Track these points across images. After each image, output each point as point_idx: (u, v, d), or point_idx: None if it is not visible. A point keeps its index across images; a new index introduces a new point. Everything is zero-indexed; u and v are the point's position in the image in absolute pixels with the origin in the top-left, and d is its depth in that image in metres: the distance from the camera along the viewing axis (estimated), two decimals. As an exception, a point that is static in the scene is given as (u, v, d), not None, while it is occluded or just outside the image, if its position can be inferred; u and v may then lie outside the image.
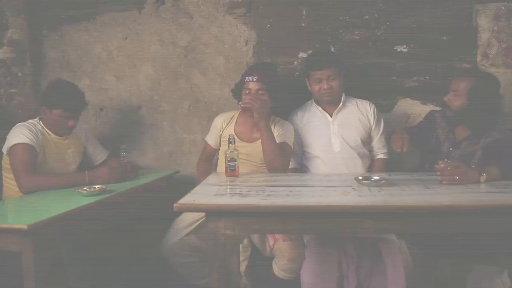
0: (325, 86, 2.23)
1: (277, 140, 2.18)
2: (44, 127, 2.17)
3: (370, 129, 2.33)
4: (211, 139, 2.36)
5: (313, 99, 2.39)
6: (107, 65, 2.83)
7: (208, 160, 2.44)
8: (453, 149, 2.03)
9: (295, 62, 2.62)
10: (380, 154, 2.36)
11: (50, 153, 2.15)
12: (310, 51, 2.51)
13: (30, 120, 2.18)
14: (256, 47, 2.67)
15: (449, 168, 1.70)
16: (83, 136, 2.40)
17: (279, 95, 2.23)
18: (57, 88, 2.15)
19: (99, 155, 2.46)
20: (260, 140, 2.17)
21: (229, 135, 1.98)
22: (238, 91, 2.26)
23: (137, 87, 2.82)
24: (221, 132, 2.31)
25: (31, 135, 2.05)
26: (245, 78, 2.21)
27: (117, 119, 2.84)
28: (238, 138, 2.22)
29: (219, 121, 2.33)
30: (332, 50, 2.57)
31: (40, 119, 2.20)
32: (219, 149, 2.36)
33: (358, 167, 2.23)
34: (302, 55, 2.60)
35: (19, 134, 2.03)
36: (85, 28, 2.82)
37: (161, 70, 2.78)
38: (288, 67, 2.64)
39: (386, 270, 1.84)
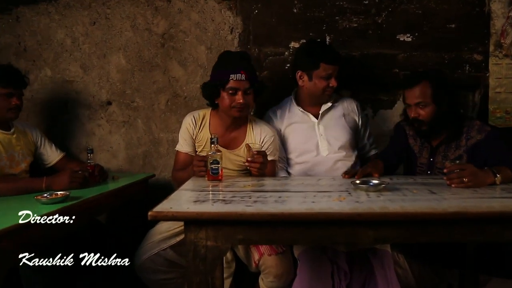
0: (335, 84, 2.21)
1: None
2: None
3: (357, 128, 2.37)
4: (184, 147, 2.26)
5: (292, 97, 2.38)
6: (72, 54, 2.81)
7: (185, 168, 2.33)
8: (433, 158, 2.11)
9: (286, 53, 2.64)
10: (373, 149, 2.45)
11: None
12: (303, 41, 2.53)
13: None
14: (242, 35, 2.68)
15: (457, 170, 1.74)
16: (34, 134, 2.40)
17: (261, 89, 2.18)
18: None
19: (52, 155, 2.45)
20: (239, 149, 2.20)
21: (212, 135, 1.98)
22: (213, 90, 2.12)
23: (107, 79, 2.80)
24: (194, 136, 2.24)
25: None
26: (229, 76, 2.06)
27: (84, 115, 2.82)
28: None
29: (189, 125, 2.24)
30: (328, 39, 2.59)
31: None
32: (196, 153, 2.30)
33: (347, 169, 2.24)
34: (294, 45, 2.61)
35: None
36: (45, 10, 2.79)
37: (134, 60, 2.77)
38: (278, 58, 2.66)
39: (378, 286, 1.87)
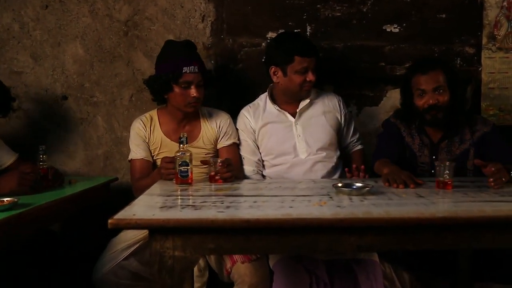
0: (313, 78, 2.22)
1: (227, 143, 2.34)
2: None
3: (339, 126, 2.40)
4: (138, 153, 2.30)
5: (267, 94, 2.40)
6: (21, 41, 2.75)
7: (146, 175, 2.31)
8: (436, 156, 2.15)
9: (263, 44, 2.65)
10: (358, 145, 2.49)
11: None
12: (281, 31, 2.54)
13: None
14: (215, 24, 2.69)
15: (493, 169, 1.78)
16: None
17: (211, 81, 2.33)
18: None
19: (3, 158, 2.38)
20: (196, 142, 2.30)
21: (181, 134, 1.99)
22: (164, 84, 2.19)
23: (62, 71, 2.76)
24: (147, 140, 2.30)
25: None
26: (182, 68, 2.15)
27: (35, 112, 2.78)
28: (170, 139, 2.28)
29: (139, 129, 2.30)
30: (309, 29, 2.61)
31: None
32: (154, 160, 2.34)
33: (328, 170, 2.29)
34: (272, 35, 2.63)
35: None
36: (-12, -9, 2.73)
37: (93, 50, 2.74)
38: (254, 49, 2.67)
39: None
